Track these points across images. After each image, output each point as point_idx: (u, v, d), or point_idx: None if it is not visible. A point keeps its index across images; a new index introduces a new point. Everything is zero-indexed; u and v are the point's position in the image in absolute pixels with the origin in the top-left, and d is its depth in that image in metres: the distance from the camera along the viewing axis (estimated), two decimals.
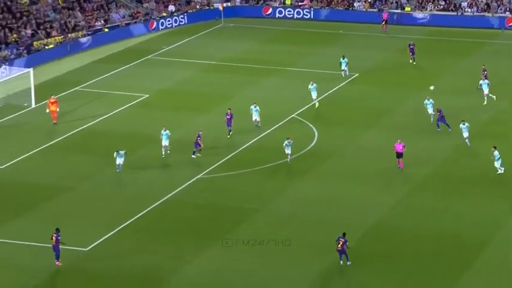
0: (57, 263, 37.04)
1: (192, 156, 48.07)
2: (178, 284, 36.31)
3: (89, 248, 39.01)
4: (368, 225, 40.68)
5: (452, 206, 42.69)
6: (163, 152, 47.93)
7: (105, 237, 39.92)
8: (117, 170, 45.97)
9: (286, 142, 47.02)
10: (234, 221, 41.19)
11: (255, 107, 51.82)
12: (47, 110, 53.47)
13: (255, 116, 51.62)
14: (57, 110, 53.26)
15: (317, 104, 55.28)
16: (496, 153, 45.46)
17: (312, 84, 55.39)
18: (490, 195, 43.74)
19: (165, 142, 47.91)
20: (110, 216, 41.82)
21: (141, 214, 42.09)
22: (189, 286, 36.18)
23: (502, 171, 45.36)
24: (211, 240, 39.30)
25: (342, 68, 60.91)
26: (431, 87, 43.47)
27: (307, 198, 43.60)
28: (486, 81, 55.62)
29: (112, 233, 40.27)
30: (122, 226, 40.90)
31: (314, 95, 55.36)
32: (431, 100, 52.30)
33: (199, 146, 48.12)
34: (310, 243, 38.99)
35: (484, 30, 74.06)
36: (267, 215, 41.98)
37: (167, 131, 47.94)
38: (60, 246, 36.95)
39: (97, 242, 39.43)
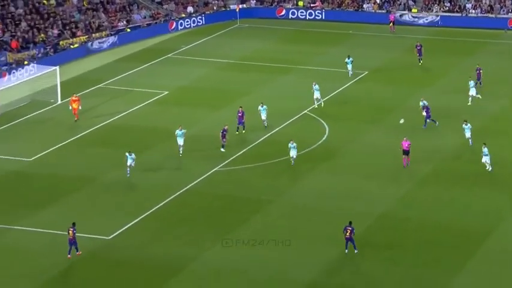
0: (69, 256, 37.01)
1: (222, 150, 47.83)
2: (198, 270, 36.54)
3: (112, 236, 39.31)
4: (374, 216, 40.81)
5: (456, 198, 42.74)
6: (180, 151, 47.44)
7: (127, 226, 40.22)
8: (127, 173, 44.81)
9: (290, 144, 46.08)
10: (250, 211, 41.43)
11: (262, 106, 51.52)
12: (70, 107, 53.80)
13: (263, 116, 51.16)
14: (79, 107, 53.48)
15: (322, 104, 54.82)
16: (486, 150, 44.85)
17: (315, 85, 54.92)
18: (493, 188, 43.75)
19: (180, 141, 47.39)
20: (131, 206, 42.12)
21: (161, 204, 42.37)
22: (208, 272, 36.41)
23: (491, 169, 44.67)
24: (228, 228, 39.51)
25: (348, 69, 60.39)
26: (401, 121, 41.50)
27: (318, 190, 43.77)
28: (472, 82, 54.72)
29: (133, 222, 40.56)
30: (143, 216, 41.18)
31: (317, 94, 54.77)
32: (425, 102, 51.55)
33: (225, 139, 47.86)
34: (319, 233, 39.17)
35: (487, 31, 73.86)
36: (280, 206, 42.18)
37: (183, 130, 47.59)
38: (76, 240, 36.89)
39: (119, 231, 39.73)
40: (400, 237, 39.04)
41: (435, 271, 36.16)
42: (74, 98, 53.79)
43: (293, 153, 45.91)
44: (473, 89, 54.53)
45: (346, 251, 37.18)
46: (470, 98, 54.50)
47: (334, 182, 44.77)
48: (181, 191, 43.74)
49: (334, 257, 37.23)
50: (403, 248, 38.11)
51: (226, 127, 48.54)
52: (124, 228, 39.95)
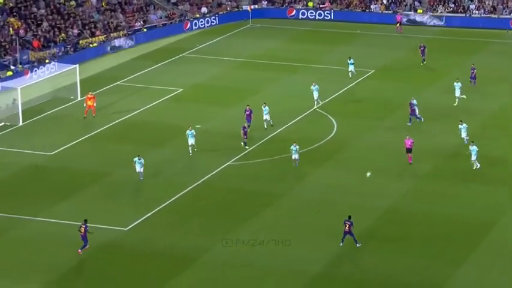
0: (80, 251, 36.59)
1: (245, 147, 47.44)
2: (211, 261, 36.35)
3: (129, 228, 39.16)
4: (382, 210, 40.51)
5: (458, 193, 42.39)
6: (190, 150, 46.83)
7: (143, 218, 40.06)
8: (140, 178, 43.56)
9: (292, 147, 44.84)
10: (261, 204, 41.18)
11: (265, 107, 50.52)
12: (84, 105, 53.59)
13: (266, 116, 50.30)
14: (94, 104, 53.27)
15: (320, 103, 54.16)
16: (474, 148, 44.15)
17: (314, 86, 54.22)
18: (495, 182, 43.37)
19: (191, 141, 46.75)
20: (147, 200, 41.97)
21: (175, 197, 42.18)
22: (220, 263, 36.21)
23: (479, 167, 44.10)
24: (241, 221, 39.28)
25: (349, 70, 59.33)
26: (368, 174, 40.42)
27: (326, 185, 43.50)
28: (459, 83, 53.92)
29: (149, 214, 40.41)
30: (159, 208, 41.02)
31: (316, 95, 54.03)
32: (414, 101, 50.96)
33: (246, 136, 47.48)
34: (327, 226, 38.89)
35: (490, 31, 73.32)
36: (290, 200, 41.92)
37: (192, 131, 46.83)
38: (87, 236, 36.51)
39: (136, 223, 39.57)
40: (406, 230, 38.74)
41: (440, 262, 35.85)
42: (89, 96, 53.63)
43: (295, 156, 44.60)
44: (458, 90, 53.67)
45: (341, 244, 36.78)
46: (457, 100, 53.80)
47: (342, 176, 44.48)
48: (194, 185, 43.55)
49: (342, 250, 36.93)
50: (409, 240, 37.81)
51: (246, 124, 48.00)
52: (140, 220, 39.79)
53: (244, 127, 47.95)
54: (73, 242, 37.58)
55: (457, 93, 53.82)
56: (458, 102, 54.13)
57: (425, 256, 36.42)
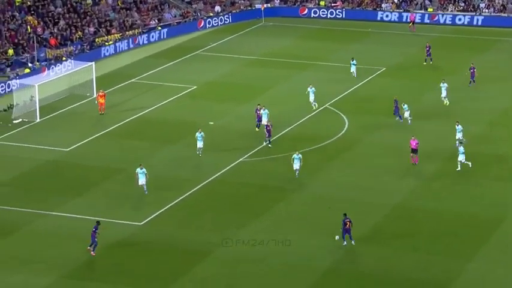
0: (93, 253, 36.39)
1: (269, 146, 47.32)
2: (223, 255, 36.49)
3: (143, 222, 39.37)
4: (391, 207, 40.53)
5: (468, 189, 42.34)
6: (199, 153, 45.79)
7: (158, 213, 40.24)
8: (144, 191, 41.68)
9: (294, 156, 42.93)
10: (274, 199, 41.29)
11: (264, 110, 49.47)
12: (96, 102, 53.76)
13: (265, 120, 48.89)
14: (104, 102, 53.30)
15: (316, 106, 53.50)
16: (461, 149, 43.99)
17: (311, 88, 53.71)
18: (504, 179, 43.28)
19: (199, 144, 45.66)
20: (161, 195, 42.12)
21: (189, 193, 42.34)
22: (233, 257, 36.34)
23: (470, 166, 43.85)
24: (254, 215, 39.38)
25: (351, 70, 58.38)
26: (336, 238, 40.33)
27: (337, 181, 43.57)
28: (445, 84, 53.51)
29: (163, 209, 40.58)
30: (172, 203, 41.19)
31: (311, 97, 53.28)
32: (405, 106, 50.94)
33: (269, 135, 47.31)
34: (338, 222, 38.91)
35: (500, 29, 73.02)
36: (301, 196, 41.99)
37: (202, 133, 45.81)
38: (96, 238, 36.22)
39: (150, 217, 39.77)
40: (415, 226, 38.75)
41: (450, 257, 35.87)
42: (100, 94, 53.87)
43: (297, 165, 42.69)
44: (445, 90, 53.41)
45: (345, 242, 36.73)
46: (445, 100, 53.47)
47: (352, 173, 44.52)
48: (207, 181, 43.68)
49: (353, 245, 36.98)
50: (418, 236, 37.82)
51: (270, 123, 47.81)
52: (154, 215, 39.98)
53: (267, 126, 47.71)
54: (88, 237, 37.80)
55: (444, 94, 53.25)
56: (458, 101, 53.88)
57: (434, 252, 36.42)
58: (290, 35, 73.05)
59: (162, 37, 71.38)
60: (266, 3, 79.17)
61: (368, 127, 50.75)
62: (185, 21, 74.83)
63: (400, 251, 36.58)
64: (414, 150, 44.96)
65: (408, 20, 72.59)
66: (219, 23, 76.43)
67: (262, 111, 49.80)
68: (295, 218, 39.53)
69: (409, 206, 40.73)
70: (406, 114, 50.37)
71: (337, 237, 36.61)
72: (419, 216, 39.70)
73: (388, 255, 36.25)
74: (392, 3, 77.62)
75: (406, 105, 50.78)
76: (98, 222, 36.77)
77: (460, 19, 74.82)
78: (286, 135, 49.97)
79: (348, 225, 36.56)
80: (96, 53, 65.35)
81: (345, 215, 36.97)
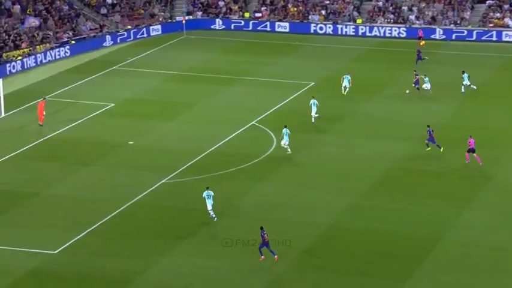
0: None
1: (288, 151, 48.14)
2: (145, 284, 35.90)
3: (58, 250, 38.46)
4: (324, 227, 40.62)
5: (402, 207, 42.78)
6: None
7: (73, 240, 39.37)
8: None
9: (205, 194, 40.80)
10: (196, 223, 40.88)
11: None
12: (44, 113, 53.40)
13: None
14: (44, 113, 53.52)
15: (317, 117, 53.79)
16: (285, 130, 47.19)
17: (313, 100, 53.85)
18: (439, 196, 43.95)
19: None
20: (77, 221, 41.28)
21: (107, 218, 41.60)
22: (155, 286, 35.78)
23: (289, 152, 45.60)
24: (176, 240, 38.93)
25: (313, 114, 54.58)
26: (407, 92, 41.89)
27: (266, 201, 43.48)
28: (315, 101, 54.91)
29: (79, 236, 39.74)
30: (90, 229, 40.39)
31: (314, 111, 53.67)
32: (315, 101, 53.31)
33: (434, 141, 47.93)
34: (270, 242, 38.83)
35: (431, 41, 74.64)
36: (229, 218, 41.71)
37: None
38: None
39: (65, 245, 38.87)
40: (348, 247, 38.87)
41: (383, 280, 36.05)
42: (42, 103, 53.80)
43: (208, 203, 40.68)
44: (314, 107, 53.83)
45: (263, 256, 37.01)
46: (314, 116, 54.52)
47: (282, 192, 44.51)
48: (127, 204, 43.02)
49: (283, 270, 36.89)
50: (353, 257, 37.94)
51: (430, 128, 48.14)
52: (70, 243, 39.09)
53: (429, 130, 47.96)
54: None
55: (313, 112, 53.79)
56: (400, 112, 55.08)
57: (368, 274, 36.59)
58: (214, 48, 73.09)
59: (75, 51, 70.40)
60: (187, 15, 79.09)
61: (297, 143, 50.90)
62: (101, 34, 74.05)
63: (335, 273, 36.61)
64: (471, 150, 46.33)
65: (417, 36, 73.25)
66: (138, 36, 75.91)
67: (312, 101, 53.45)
68: (222, 242, 39.13)
69: (343, 226, 40.89)
70: (428, 85, 57.99)
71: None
72: (353, 237, 39.88)
73: (319, 277, 36.25)
74: (320, 15, 78.56)
75: (427, 78, 57.78)
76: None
77: (389, 31, 76.14)
78: (212, 153, 49.73)
79: (267, 237, 36.93)
80: (3, 69, 63.96)
81: (262, 228, 37.23)
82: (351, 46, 73.52)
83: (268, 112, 56.36)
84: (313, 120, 54.21)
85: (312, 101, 54.40)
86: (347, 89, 59.03)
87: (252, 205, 43.13)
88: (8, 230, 40.41)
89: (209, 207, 40.91)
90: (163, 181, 45.77)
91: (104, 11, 77.55)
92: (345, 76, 59.58)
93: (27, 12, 71.83)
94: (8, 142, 51.59)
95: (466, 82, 59.28)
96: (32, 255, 37.81)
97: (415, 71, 59.89)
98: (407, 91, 59.00)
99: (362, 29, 76.61)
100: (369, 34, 76.14)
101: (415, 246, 38.91)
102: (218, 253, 38.16)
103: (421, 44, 71.27)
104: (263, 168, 47.58)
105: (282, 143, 48.51)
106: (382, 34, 76.11)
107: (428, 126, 49.26)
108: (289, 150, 48.60)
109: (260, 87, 61.63)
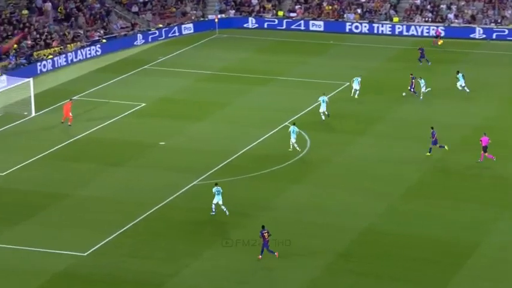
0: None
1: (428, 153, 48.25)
2: (176, 287, 36.02)
3: (88, 252, 38.73)
4: (358, 231, 40.48)
5: (438, 211, 42.50)
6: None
7: (103, 242, 39.62)
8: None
9: (214, 189, 41.62)
10: (228, 225, 40.93)
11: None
12: (70, 114, 53.88)
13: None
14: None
15: (325, 114, 54.27)
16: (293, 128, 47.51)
17: (323, 97, 54.25)
18: (479, 200, 43.61)
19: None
20: (107, 223, 41.52)
21: (138, 220, 41.80)
22: None
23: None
24: (209, 243, 39.02)
25: (322, 111, 55.25)
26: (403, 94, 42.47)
27: (299, 204, 43.42)
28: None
29: (110, 238, 39.98)
30: (119, 232, 40.61)
31: (323, 108, 54.12)
32: (325, 97, 53.80)
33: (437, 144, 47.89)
34: (303, 248, 38.76)
35: (469, 41, 74.11)
36: (261, 220, 41.68)
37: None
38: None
39: (95, 247, 39.13)
40: (383, 251, 38.69)
41: (422, 286, 35.83)
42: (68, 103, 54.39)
43: (217, 199, 41.48)
44: (324, 104, 54.59)
45: (260, 256, 37.22)
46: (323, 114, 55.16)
47: (316, 195, 44.42)
48: (158, 206, 43.22)
49: (317, 274, 36.83)
50: (386, 262, 37.77)
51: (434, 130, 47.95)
52: (101, 244, 39.35)
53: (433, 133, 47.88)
54: (24, 270, 37.04)
55: (323, 109, 54.05)
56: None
57: (404, 279, 36.37)
58: (246, 47, 73.19)
59: (106, 50, 70.89)
60: (220, 13, 79.27)
61: (332, 145, 50.80)
62: (132, 33, 74.49)
63: (369, 278, 36.45)
64: (483, 148, 46.27)
65: (435, 34, 73.02)
66: (170, 35, 76.24)
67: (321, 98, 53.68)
68: (253, 246, 39.09)
69: (378, 230, 40.73)
70: (423, 89, 57.24)
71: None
72: (389, 241, 39.69)
73: (354, 281, 36.12)
74: (355, 13, 78.33)
75: (423, 80, 57.10)
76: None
77: (427, 30, 75.74)
78: (244, 155, 49.78)
79: (267, 236, 37.09)
80: (34, 68, 64.58)
81: (263, 227, 37.42)
82: (387, 45, 73.27)
83: (302, 113, 56.30)
84: (322, 118, 53.82)
85: (321, 98, 54.16)
86: (357, 92, 58.28)
87: (285, 207, 43.09)
88: (38, 231, 40.76)
89: (219, 202, 41.39)
90: (194, 182, 45.90)
91: (135, 9, 78.01)
92: (355, 78, 58.88)
93: (58, 10, 72.46)
94: (38, 142, 52.07)
95: (461, 83, 58.40)
96: (62, 257, 38.10)
97: (411, 74, 58.43)
98: (403, 93, 58.42)
99: (399, 28, 76.34)
100: (406, 33, 75.88)
101: (452, 251, 38.64)
102: (250, 256, 38.16)
103: (439, 43, 70.89)
104: (297, 170, 47.53)
105: (292, 141, 48.66)
106: (419, 33, 75.81)
107: (432, 128, 48.79)
108: (297, 147, 48.66)
109: (293, 87, 61.60)
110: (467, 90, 58.76)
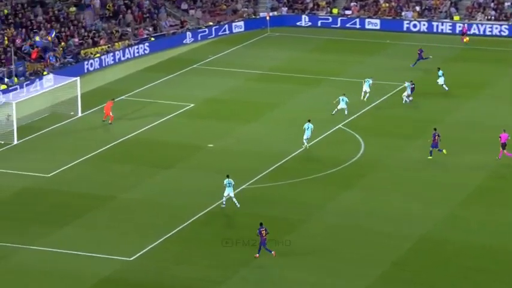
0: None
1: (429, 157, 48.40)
2: None
3: (133, 257, 38.99)
4: (415, 239, 40.11)
5: (499, 219, 41.91)
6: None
7: (150, 246, 39.86)
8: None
9: (226, 181, 42.56)
10: (278, 231, 40.88)
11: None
12: (110, 113, 54.54)
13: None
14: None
15: (335, 113, 54.74)
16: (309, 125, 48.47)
17: (343, 97, 54.57)
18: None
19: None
20: (153, 227, 41.77)
21: (185, 224, 41.98)
22: None
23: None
24: (256, 250, 39.03)
25: (341, 107, 55.33)
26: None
27: (352, 209, 43.18)
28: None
29: (156, 243, 40.20)
30: (166, 236, 40.81)
31: (343, 106, 54.59)
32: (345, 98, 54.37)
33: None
34: (355, 254, 38.53)
35: None
36: (312, 226, 41.60)
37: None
38: None
39: (141, 252, 39.38)
40: (440, 260, 38.30)
41: None
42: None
43: (228, 191, 42.41)
44: (408, 90, 56.68)
45: (257, 255, 37.42)
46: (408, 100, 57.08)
47: (370, 200, 44.15)
48: (206, 210, 43.34)
49: (370, 282, 36.59)
50: (443, 272, 37.37)
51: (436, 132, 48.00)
52: (147, 249, 39.60)
53: (435, 134, 48.15)
54: (71, 274, 37.43)
55: (342, 106, 54.81)
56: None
57: None
58: (298, 46, 73.09)
59: (155, 48, 71.38)
60: (272, 11, 79.28)
61: (386, 148, 50.44)
62: (181, 31, 74.90)
63: (423, 285, 36.20)
64: (502, 145, 46.30)
65: (461, 32, 72.41)
66: (220, 33, 76.49)
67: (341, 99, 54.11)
68: (303, 252, 39.03)
69: (435, 238, 40.31)
70: (407, 92, 56.62)
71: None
72: (446, 250, 39.26)
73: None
74: (414, 11, 77.69)
75: (408, 83, 56.43)
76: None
77: (489, 29, 74.80)
78: (295, 158, 49.69)
79: (265, 235, 37.27)
80: (81, 67, 65.31)
81: (261, 224, 37.69)
82: (447, 45, 72.51)
83: (356, 115, 56.00)
84: (333, 112, 54.25)
85: (341, 98, 54.20)
86: (367, 95, 57.52)
87: (337, 213, 42.89)
88: (83, 234, 41.16)
89: (230, 194, 42.27)
90: (244, 186, 45.95)
91: (184, 6, 78.44)
92: (366, 79, 58.15)
93: (107, 7, 73.20)
94: (84, 142, 52.62)
95: (440, 81, 58.29)
96: (107, 261, 38.42)
97: (411, 81, 57.85)
98: (403, 101, 57.56)
99: (460, 26, 75.50)
100: (467, 32, 74.98)
101: None
102: (300, 263, 38.05)
103: (465, 40, 69.96)
104: (350, 174, 47.29)
105: (304, 138, 49.23)
106: (481, 32, 74.90)
107: (435, 129, 48.05)
108: (306, 145, 49.08)
109: (347, 88, 61.30)
110: (446, 89, 58.49)
